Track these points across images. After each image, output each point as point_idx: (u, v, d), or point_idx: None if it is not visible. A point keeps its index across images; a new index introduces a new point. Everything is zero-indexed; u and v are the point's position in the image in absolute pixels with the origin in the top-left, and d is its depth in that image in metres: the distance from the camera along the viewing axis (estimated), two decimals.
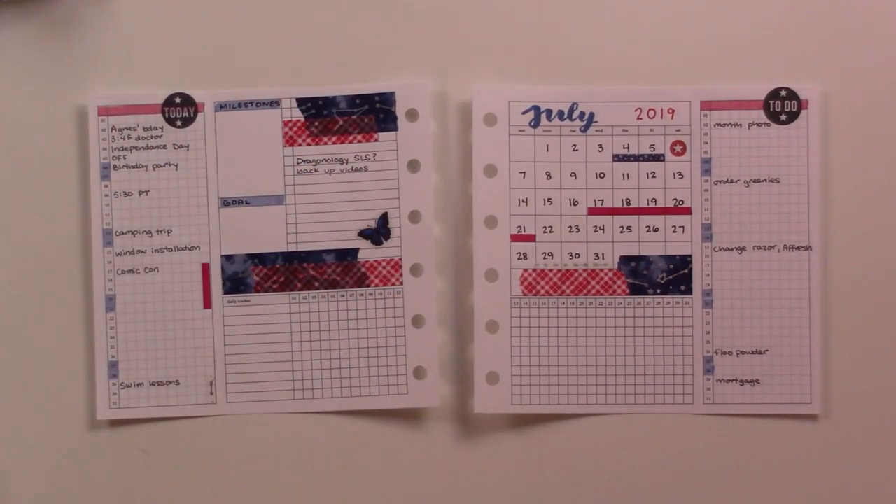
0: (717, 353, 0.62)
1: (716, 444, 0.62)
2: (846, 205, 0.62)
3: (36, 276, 0.63)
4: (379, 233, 0.63)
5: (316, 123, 0.63)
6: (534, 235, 0.62)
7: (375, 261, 0.63)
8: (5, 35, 0.63)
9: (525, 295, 0.62)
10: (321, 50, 0.63)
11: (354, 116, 0.63)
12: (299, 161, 0.63)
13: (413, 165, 0.63)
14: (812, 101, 0.62)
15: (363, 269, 0.63)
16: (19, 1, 0.63)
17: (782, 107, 0.62)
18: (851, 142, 0.62)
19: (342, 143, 0.63)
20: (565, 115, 0.62)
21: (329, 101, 0.63)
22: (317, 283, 0.63)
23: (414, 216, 0.63)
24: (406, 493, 0.63)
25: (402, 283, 0.63)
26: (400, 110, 0.63)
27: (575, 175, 0.62)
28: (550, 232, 0.62)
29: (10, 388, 0.63)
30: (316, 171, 0.63)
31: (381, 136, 0.63)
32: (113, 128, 0.63)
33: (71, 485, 0.63)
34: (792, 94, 0.62)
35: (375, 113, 0.63)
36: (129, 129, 0.63)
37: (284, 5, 0.63)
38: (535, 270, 0.62)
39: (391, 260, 0.63)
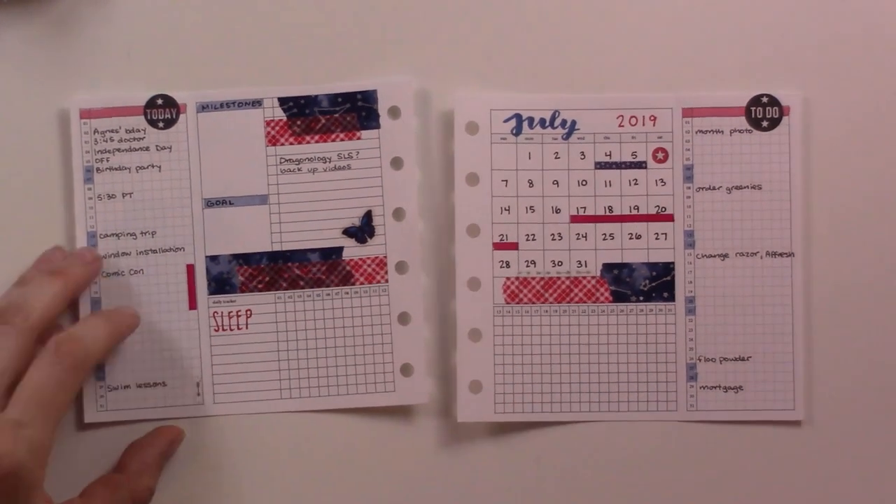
0: (700, 360, 0.62)
1: (700, 451, 0.62)
2: (828, 211, 0.62)
3: None
4: (363, 231, 0.63)
5: (298, 122, 0.62)
6: (516, 244, 0.62)
7: (360, 259, 0.63)
8: None
9: (508, 303, 0.62)
10: (302, 49, 0.63)
11: (337, 115, 0.62)
12: (282, 160, 0.63)
13: (396, 163, 0.62)
14: (794, 108, 0.62)
15: (348, 268, 0.63)
16: None
17: (764, 113, 0.62)
18: (833, 148, 0.62)
19: (325, 141, 0.62)
20: (547, 123, 0.62)
21: (311, 100, 0.62)
22: (302, 283, 0.63)
23: (398, 213, 0.62)
24: (395, 491, 0.63)
25: (387, 281, 0.63)
26: (382, 108, 0.62)
27: (557, 183, 0.62)
28: (533, 240, 0.62)
29: None
30: (299, 170, 0.63)
31: (364, 133, 0.62)
32: (95, 130, 0.62)
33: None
34: (773, 101, 0.62)
35: (358, 111, 0.62)
36: (112, 131, 0.63)
37: (264, 6, 0.63)
38: (517, 279, 0.62)
39: (376, 257, 0.63)
